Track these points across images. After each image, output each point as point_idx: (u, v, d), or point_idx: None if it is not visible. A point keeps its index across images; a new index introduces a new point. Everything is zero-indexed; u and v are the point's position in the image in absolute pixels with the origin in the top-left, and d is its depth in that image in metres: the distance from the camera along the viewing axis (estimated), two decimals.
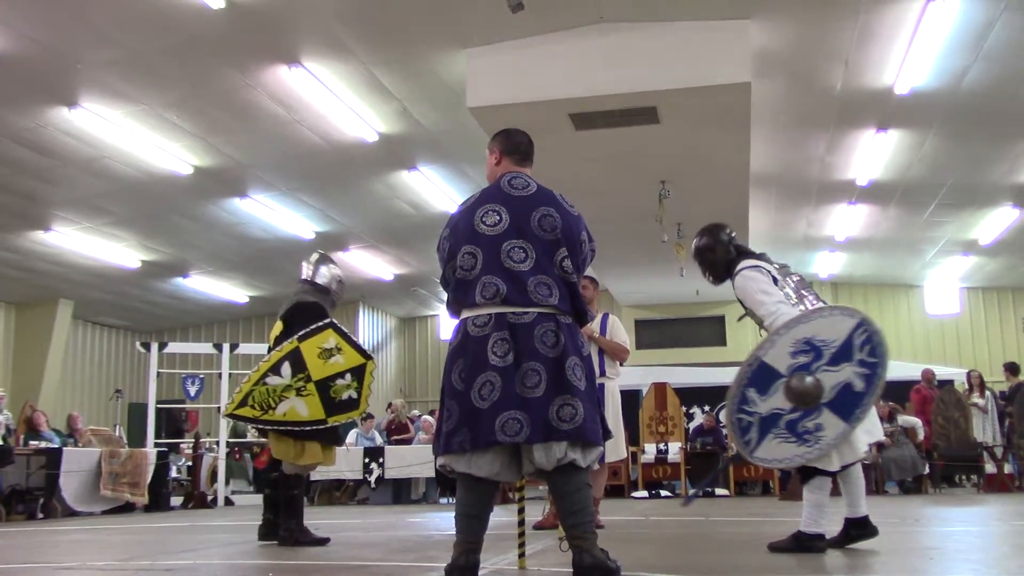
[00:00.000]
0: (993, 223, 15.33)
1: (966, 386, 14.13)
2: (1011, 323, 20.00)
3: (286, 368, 6.02)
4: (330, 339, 6.13)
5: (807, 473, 4.90)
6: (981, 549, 5.39)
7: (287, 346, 6.08)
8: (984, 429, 13.17)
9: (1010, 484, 12.69)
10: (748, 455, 4.73)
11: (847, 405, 4.59)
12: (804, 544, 4.85)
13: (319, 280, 6.53)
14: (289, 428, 6.06)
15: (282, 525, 6.14)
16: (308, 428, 6.04)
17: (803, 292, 5.20)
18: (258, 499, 13.58)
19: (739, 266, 5.10)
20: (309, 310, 6.30)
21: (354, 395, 6.11)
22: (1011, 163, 12.47)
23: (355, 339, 6.22)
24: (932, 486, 12.79)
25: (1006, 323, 20.19)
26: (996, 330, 20.31)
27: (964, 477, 13.70)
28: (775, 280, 5.08)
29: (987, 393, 13.68)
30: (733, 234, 5.38)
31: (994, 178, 13.12)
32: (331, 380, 6.06)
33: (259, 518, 6.49)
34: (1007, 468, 13.03)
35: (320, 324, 6.17)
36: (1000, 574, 4.09)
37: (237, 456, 14.61)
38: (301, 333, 6.12)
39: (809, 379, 4.55)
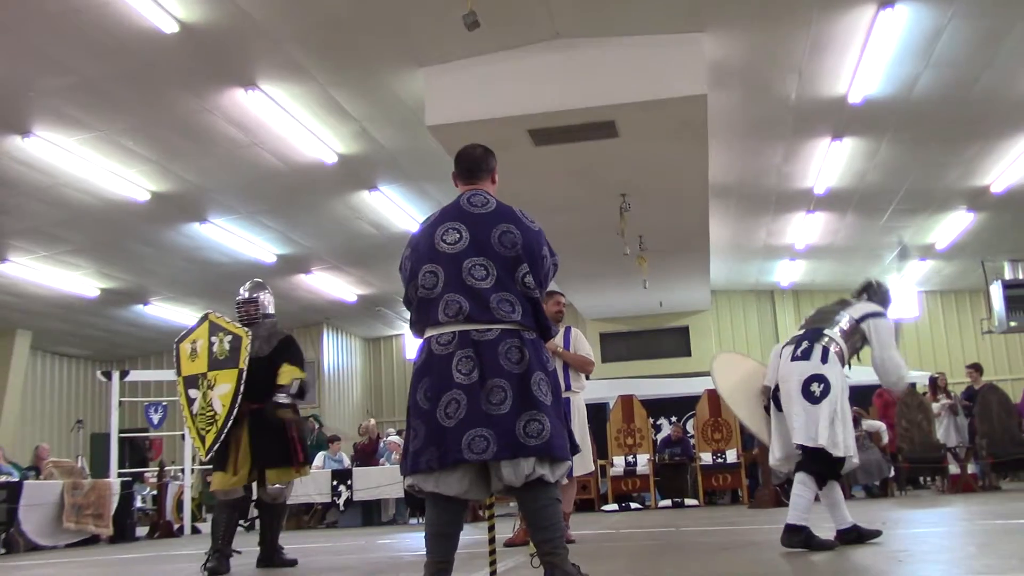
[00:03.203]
0: (948, 227, 15.56)
1: (927, 389, 14.31)
2: (969, 325, 20.28)
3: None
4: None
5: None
6: (948, 550, 5.44)
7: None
8: (948, 431, 13.34)
9: (974, 484, 12.84)
10: None
11: None
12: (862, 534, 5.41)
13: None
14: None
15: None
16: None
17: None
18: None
19: None
20: None
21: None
22: (963, 168, 12.68)
23: (179, 367, 6.46)
24: (898, 489, 12.90)
25: (964, 325, 20.48)
26: (955, 333, 20.60)
27: (929, 479, 13.85)
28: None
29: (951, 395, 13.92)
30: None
31: (947, 183, 13.33)
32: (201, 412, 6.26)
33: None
34: (970, 468, 13.18)
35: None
36: (966, 573, 4.13)
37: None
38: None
39: None
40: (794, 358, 5.44)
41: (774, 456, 5.64)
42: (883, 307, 5.87)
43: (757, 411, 5.79)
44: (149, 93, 9.72)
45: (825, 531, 5.43)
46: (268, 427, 6.19)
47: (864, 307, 5.71)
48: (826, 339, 5.46)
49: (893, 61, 9.46)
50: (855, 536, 5.37)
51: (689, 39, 9.05)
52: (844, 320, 5.60)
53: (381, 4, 8.40)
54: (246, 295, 6.66)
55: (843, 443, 5.26)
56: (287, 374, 6.37)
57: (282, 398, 6.23)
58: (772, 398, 5.58)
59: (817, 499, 5.40)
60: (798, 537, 5.21)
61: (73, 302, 16.72)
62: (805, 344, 5.46)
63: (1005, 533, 6.12)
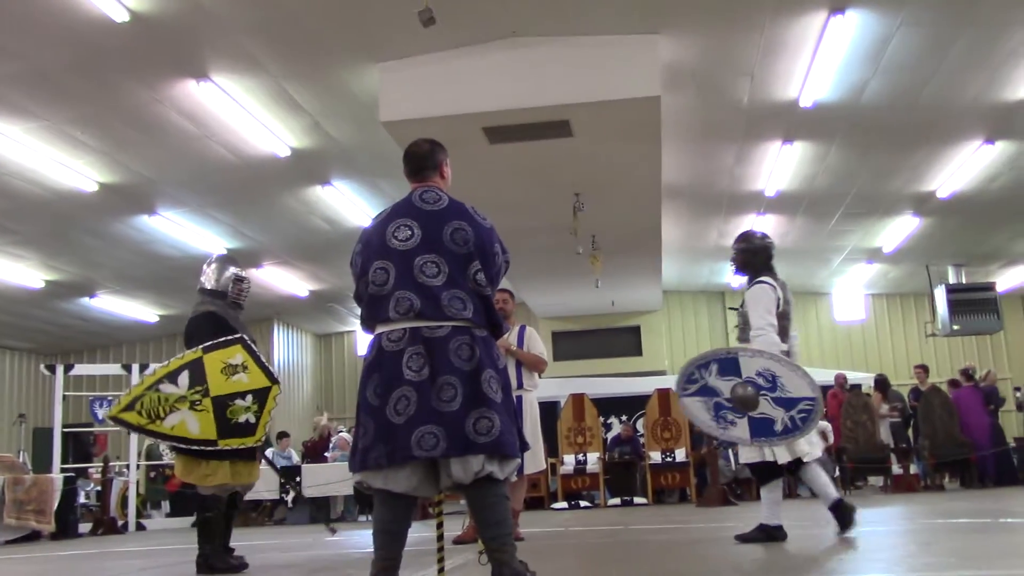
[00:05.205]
0: (895, 231, 15.83)
1: (873, 390, 14.60)
2: (914, 328, 20.66)
3: (184, 378, 5.60)
4: (237, 355, 5.73)
5: (765, 475, 5.71)
6: (888, 548, 5.54)
7: (190, 355, 5.70)
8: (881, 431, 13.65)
9: (916, 484, 13.09)
10: (679, 392, 5.53)
11: (760, 430, 5.36)
12: (770, 534, 5.58)
13: (211, 285, 6.18)
14: (174, 444, 5.69)
15: (199, 550, 5.89)
16: (195, 448, 5.59)
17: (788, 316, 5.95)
18: (172, 523, 13.34)
19: (761, 279, 5.96)
20: (204, 320, 5.98)
21: (252, 419, 5.65)
22: (910, 173, 12.90)
23: (263, 360, 5.84)
24: (842, 488, 13.11)
25: (909, 328, 20.85)
26: (900, 335, 20.97)
27: (869, 478, 14.13)
28: (782, 302, 5.86)
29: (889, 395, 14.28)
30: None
31: (895, 187, 13.55)
32: (230, 399, 5.62)
33: (173, 543, 6.31)
34: (913, 469, 13.45)
35: (229, 338, 5.80)
36: (906, 572, 4.21)
37: (154, 477, 14.26)
38: (207, 344, 5.74)
39: (752, 393, 5.28)
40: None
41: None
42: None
43: None
44: (98, 82, 9.55)
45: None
46: None
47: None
48: None
49: (843, 67, 9.60)
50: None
51: (644, 40, 9.11)
52: None
53: None
54: (244, 272, 6.33)
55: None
56: None
57: None
58: None
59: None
60: None
61: (17, 294, 16.39)
62: None
63: (945, 532, 6.25)
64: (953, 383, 14.46)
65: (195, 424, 5.56)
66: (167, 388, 5.58)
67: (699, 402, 5.43)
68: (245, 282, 6.32)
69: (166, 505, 14.46)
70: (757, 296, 5.84)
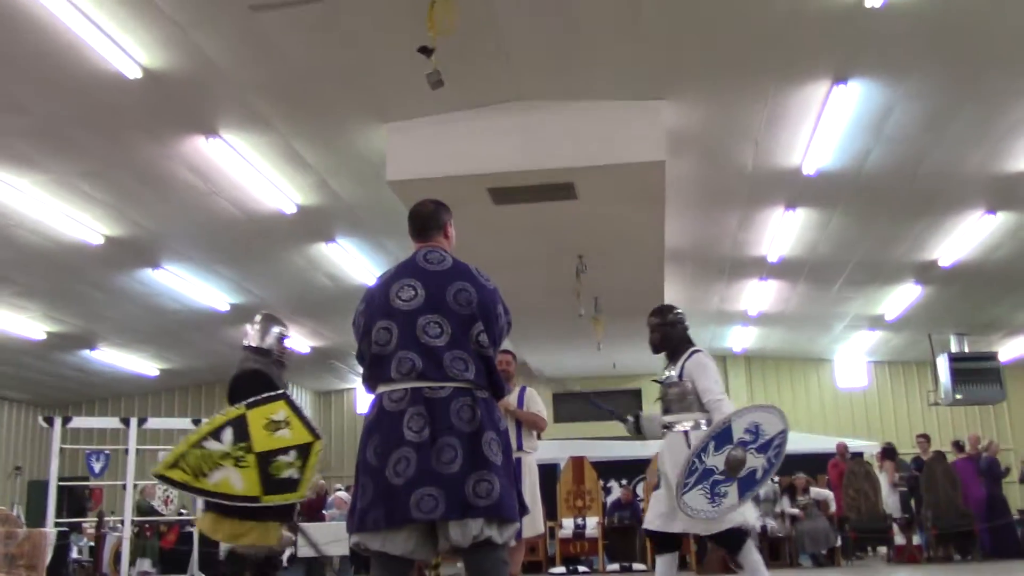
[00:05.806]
0: (897, 299, 15.83)
1: (877, 459, 14.48)
2: (916, 396, 20.55)
3: (227, 434, 5.55)
4: (280, 411, 5.70)
5: (738, 542, 5.53)
6: None
7: (233, 411, 5.66)
8: (891, 501, 13.48)
9: (918, 555, 12.92)
10: (678, 495, 5.24)
11: (746, 487, 5.35)
12: None
13: (255, 343, 6.22)
14: (219, 501, 5.56)
15: None
16: (239, 504, 5.51)
17: None
18: None
19: (696, 348, 5.96)
20: (249, 378, 5.98)
21: (295, 475, 5.57)
22: (912, 241, 12.94)
23: (306, 415, 5.79)
24: (844, 558, 12.94)
25: (911, 396, 20.75)
26: (903, 403, 20.86)
27: (872, 548, 13.94)
28: None
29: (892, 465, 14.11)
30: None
31: (897, 255, 13.59)
32: (273, 455, 5.56)
33: None
34: (915, 539, 13.28)
35: (272, 394, 5.79)
36: None
37: (148, 534, 14.07)
38: (251, 400, 5.71)
39: (741, 453, 5.23)
40: None
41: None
42: None
43: None
44: (109, 138, 9.64)
45: None
46: None
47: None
48: None
49: (846, 135, 9.69)
50: None
51: (649, 106, 9.20)
52: None
53: (345, 58, 8.46)
54: (288, 332, 6.41)
55: None
56: None
57: None
58: None
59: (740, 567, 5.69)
60: None
61: (17, 345, 16.35)
62: None
63: None
64: (940, 455, 14.27)
65: (239, 481, 5.50)
66: (211, 445, 5.54)
67: (698, 492, 5.26)
68: (288, 340, 6.38)
69: (143, 563, 14.21)
70: (705, 365, 5.78)
